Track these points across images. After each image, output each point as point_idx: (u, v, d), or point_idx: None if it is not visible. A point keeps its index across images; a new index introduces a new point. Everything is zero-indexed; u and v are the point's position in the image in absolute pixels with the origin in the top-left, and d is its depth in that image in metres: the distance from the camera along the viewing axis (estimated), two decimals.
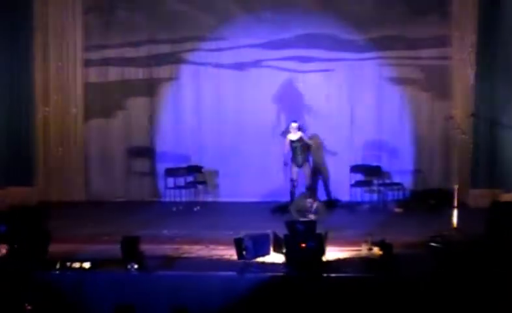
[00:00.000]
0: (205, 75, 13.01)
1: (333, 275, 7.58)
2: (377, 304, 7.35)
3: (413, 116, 12.70)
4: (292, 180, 11.62)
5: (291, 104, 12.83)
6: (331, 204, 11.99)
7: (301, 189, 11.43)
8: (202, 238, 9.29)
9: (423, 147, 12.69)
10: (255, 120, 12.77)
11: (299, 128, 11.77)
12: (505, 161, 11.57)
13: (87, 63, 13.11)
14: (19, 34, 12.42)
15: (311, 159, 12.08)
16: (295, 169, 11.67)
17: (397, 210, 11.67)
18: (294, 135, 11.69)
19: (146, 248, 8.15)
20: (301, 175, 11.74)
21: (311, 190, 11.00)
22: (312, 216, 10.05)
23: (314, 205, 10.43)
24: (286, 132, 11.86)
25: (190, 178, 12.68)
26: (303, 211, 10.27)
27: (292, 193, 11.52)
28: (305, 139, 11.78)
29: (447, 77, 12.52)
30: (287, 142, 11.69)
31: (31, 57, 12.66)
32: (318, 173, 12.51)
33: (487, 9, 11.68)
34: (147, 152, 13.15)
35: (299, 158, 11.66)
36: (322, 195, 12.20)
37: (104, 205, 12.61)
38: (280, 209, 11.19)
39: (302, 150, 11.68)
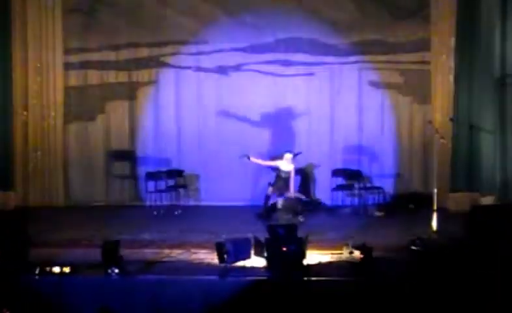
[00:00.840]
0: (186, 78, 12.99)
1: (314, 279, 7.59)
2: (358, 308, 7.37)
3: (394, 120, 12.78)
4: (267, 196, 11.35)
5: (272, 107, 12.85)
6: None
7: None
8: (183, 242, 9.27)
9: (403, 151, 12.76)
10: (236, 123, 12.79)
11: (294, 156, 11.47)
12: (483, 164, 11.66)
13: (67, 66, 13.02)
14: None
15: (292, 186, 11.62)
16: (271, 191, 11.34)
17: (378, 213, 11.70)
18: (286, 166, 11.35)
19: (127, 252, 8.12)
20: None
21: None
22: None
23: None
24: (278, 158, 11.49)
25: (171, 182, 12.63)
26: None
27: (267, 197, 11.33)
28: (293, 173, 11.40)
29: (426, 81, 12.60)
30: (274, 165, 11.40)
31: (10, 59, 12.57)
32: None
33: (465, 13, 11.79)
34: (127, 156, 13.10)
35: (281, 188, 11.31)
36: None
37: (84, 209, 12.53)
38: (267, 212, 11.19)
39: (285, 182, 11.34)
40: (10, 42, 12.56)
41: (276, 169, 11.43)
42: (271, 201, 11.32)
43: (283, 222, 10.11)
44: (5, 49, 12.48)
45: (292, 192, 11.39)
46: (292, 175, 11.39)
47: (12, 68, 12.63)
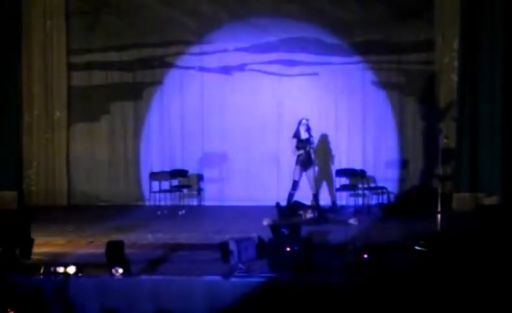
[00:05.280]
0: (190, 79, 13.00)
1: (318, 279, 7.58)
2: (362, 308, 7.36)
3: (398, 120, 12.76)
4: (294, 182, 11.36)
5: (275, 107, 12.84)
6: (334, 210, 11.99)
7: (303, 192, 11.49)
8: (186, 243, 9.28)
9: (407, 151, 12.74)
10: (239, 123, 12.79)
11: (308, 129, 11.37)
12: (487, 165, 11.64)
13: (71, 67, 13.06)
14: (4, 38, 12.37)
15: (315, 165, 11.76)
16: (298, 170, 11.34)
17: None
18: (303, 134, 11.31)
19: (131, 252, 8.13)
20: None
21: (315, 198, 11.32)
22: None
23: (308, 215, 10.67)
24: (297, 131, 11.36)
25: (175, 182, 12.65)
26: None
27: (290, 196, 11.29)
28: (311, 145, 11.33)
29: (430, 81, 12.58)
30: (295, 141, 11.29)
31: (16, 60, 12.60)
32: (322, 178, 12.50)
33: (470, 14, 11.76)
34: (132, 156, 13.11)
35: (304, 161, 11.30)
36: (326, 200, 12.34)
37: (88, 209, 12.55)
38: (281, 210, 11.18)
39: (307, 153, 11.31)
40: (16, 43, 12.58)
41: (297, 139, 11.31)
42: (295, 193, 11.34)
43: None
44: (11, 50, 12.50)
45: (313, 170, 11.43)
46: (312, 143, 11.38)
47: (18, 68, 12.65)
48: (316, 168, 11.89)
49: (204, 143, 12.97)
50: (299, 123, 11.37)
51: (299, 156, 11.32)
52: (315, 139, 11.72)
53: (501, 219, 9.47)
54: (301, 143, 11.31)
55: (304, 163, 11.35)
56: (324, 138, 12.63)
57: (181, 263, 8.32)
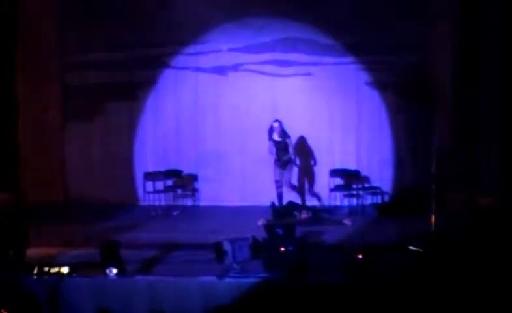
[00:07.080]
0: (184, 79, 12.99)
1: (313, 280, 7.59)
2: (357, 309, 7.37)
3: (392, 120, 12.76)
4: (276, 181, 11.50)
5: (270, 107, 12.83)
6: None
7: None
8: (181, 243, 9.27)
9: (402, 151, 12.75)
10: (234, 124, 12.78)
11: (282, 132, 11.54)
12: (482, 165, 11.66)
13: (66, 67, 13.03)
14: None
15: (294, 163, 11.95)
16: (277, 170, 11.53)
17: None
18: (276, 136, 11.52)
19: (125, 252, 8.12)
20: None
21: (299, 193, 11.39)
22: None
23: (303, 216, 10.79)
24: (271, 132, 11.59)
25: (169, 183, 12.64)
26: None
27: (279, 195, 11.45)
28: (286, 146, 11.54)
29: (425, 81, 12.58)
30: (271, 143, 11.52)
31: (10, 60, 12.56)
32: (303, 176, 12.53)
33: (466, 14, 11.77)
34: (126, 156, 13.09)
35: (282, 159, 11.48)
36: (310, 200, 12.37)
37: (83, 209, 12.51)
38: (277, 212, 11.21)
39: (284, 152, 11.49)
40: (11, 42, 12.54)
41: (274, 143, 11.51)
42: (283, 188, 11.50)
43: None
44: (5, 50, 12.46)
45: (290, 169, 11.56)
46: (290, 144, 11.55)
47: (11, 68, 12.61)
48: (295, 168, 12.05)
49: (198, 143, 12.96)
50: (271, 126, 11.52)
51: (277, 155, 11.48)
52: (309, 139, 11.77)
53: (496, 219, 9.48)
54: (277, 145, 11.47)
55: (280, 164, 11.47)
56: (316, 138, 12.64)
57: (176, 263, 8.33)
